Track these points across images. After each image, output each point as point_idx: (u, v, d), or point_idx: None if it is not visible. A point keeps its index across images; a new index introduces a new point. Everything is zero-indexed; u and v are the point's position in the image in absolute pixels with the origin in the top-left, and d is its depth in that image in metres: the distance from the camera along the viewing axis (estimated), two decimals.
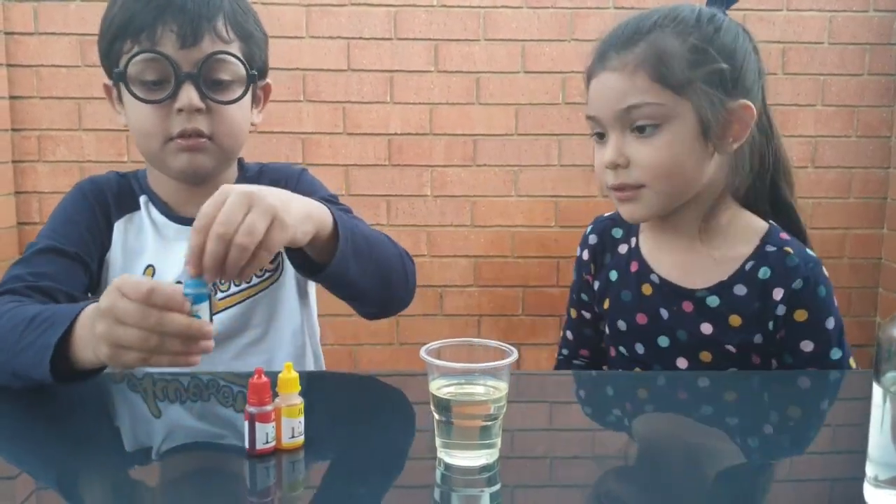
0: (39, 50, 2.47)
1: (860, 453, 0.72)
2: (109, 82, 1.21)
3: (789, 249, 1.14)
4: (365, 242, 1.08)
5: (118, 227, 1.24)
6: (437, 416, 0.78)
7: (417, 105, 2.55)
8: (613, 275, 1.26)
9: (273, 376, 0.80)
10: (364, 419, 0.98)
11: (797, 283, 1.13)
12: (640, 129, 1.10)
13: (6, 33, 2.44)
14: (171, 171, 1.20)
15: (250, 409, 0.78)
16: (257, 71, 1.21)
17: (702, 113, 1.09)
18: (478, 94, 2.56)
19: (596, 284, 1.29)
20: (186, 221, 1.23)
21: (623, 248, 1.27)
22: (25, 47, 2.46)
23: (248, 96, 1.21)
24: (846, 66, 2.59)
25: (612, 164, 1.12)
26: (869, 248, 2.68)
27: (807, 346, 1.14)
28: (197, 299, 0.82)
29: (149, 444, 0.88)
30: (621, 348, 1.25)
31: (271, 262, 1.27)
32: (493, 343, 0.81)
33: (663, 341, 1.19)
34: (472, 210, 2.61)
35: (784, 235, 1.17)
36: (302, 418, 0.81)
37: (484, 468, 0.77)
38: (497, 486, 0.75)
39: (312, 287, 1.37)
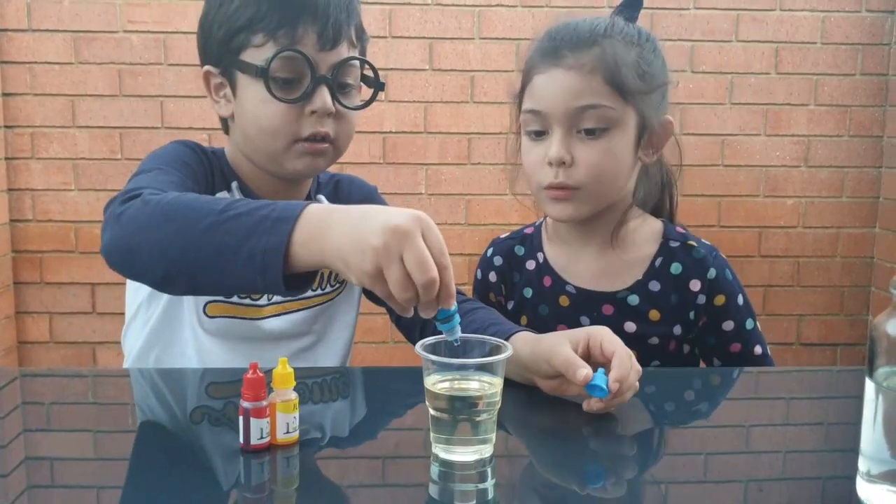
0: (33, 46, 2.45)
1: (852, 451, 0.72)
2: (214, 70, 1.17)
3: (692, 243, 1.23)
4: None
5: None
6: (432, 411, 0.78)
7: (412, 103, 2.55)
8: (528, 292, 1.28)
9: (268, 372, 0.80)
10: (359, 414, 0.98)
11: (711, 273, 1.21)
12: (588, 132, 1.13)
13: None
14: (285, 170, 1.16)
15: (245, 404, 0.78)
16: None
17: (643, 122, 1.15)
18: (472, 92, 2.56)
19: (510, 305, 1.30)
20: None
21: (531, 265, 1.29)
22: (19, 44, 2.45)
23: None
24: (839, 66, 2.60)
25: (559, 160, 1.13)
26: (861, 246, 2.69)
27: (728, 325, 1.23)
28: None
29: (143, 437, 0.88)
30: None
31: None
32: (489, 338, 0.81)
33: None
34: (466, 209, 2.61)
35: (679, 229, 1.26)
36: (297, 414, 0.81)
37: (479, 463, 0.78)
38: (492, 482, 0.76)
39: None
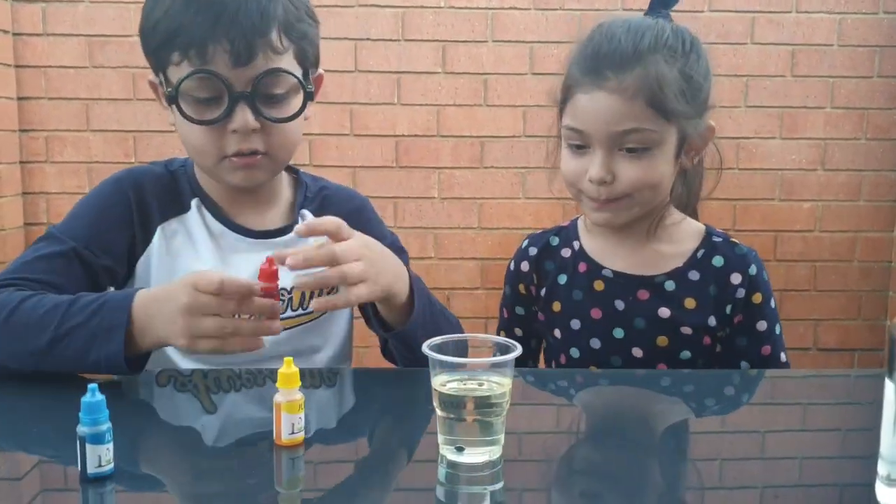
0: (47, 51, 2.47)
1: (871, 458, 0.70)
2: (155, 79, 1.15)
3: (735, 240, 1.26)
4: (433, 320, 1.13)
5: (163, 230, 1.18)
6: (439, 412, 0.77)
7: (425, 106, 2.54)
8: (562, 278, 1.28)
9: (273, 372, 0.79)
10: (366, 416, 0.97)
11: (752, 270, 1.23)
12: (630, 150, 1.14)
13: (14, 34, 2.44)
14: (225, 184, 1.17)
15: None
16: (311, 66, 1.17)
17: (683, 136, 1.17)
18: (485, 95, 2.55)
19: (543, 291, 1.30)
20: (244, 231, 1.21)
21: (566, 253, 1.30)
22: (33, 48, 2.46)
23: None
24: (856, 68, 2.57)
25: (600, 180, 1.15)
26: (879, 251, 2.66)
27: (761, 325, 1.24)
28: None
29: (151, 436, 0.87)
30: (573, 350, 1.26)
31: (329, 292, 1.25)
32: (497, 338, 0.80)
33: (618, 333, 1.23)
34: (479, 212, 2.60)
35: (719, 231, 1.29)
36: (302, 414, 0.80)
37: (488, 465, 0.76)
38: (500, 484, 0.74)
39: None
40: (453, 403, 0.75)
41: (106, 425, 0.71)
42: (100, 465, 0.71)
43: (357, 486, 0.75)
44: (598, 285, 1.25)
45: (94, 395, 0.71)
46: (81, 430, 0.70)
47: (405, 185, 2.58)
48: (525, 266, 1.32)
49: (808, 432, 0.95)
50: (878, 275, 2.67)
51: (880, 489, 0.69)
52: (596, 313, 1.24)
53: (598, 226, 1.25)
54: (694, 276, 1.23)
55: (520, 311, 1.35)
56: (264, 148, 1.12)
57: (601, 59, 1.14)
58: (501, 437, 0.77)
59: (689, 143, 1.19)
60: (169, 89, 1.09)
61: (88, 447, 0.70)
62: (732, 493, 0.76)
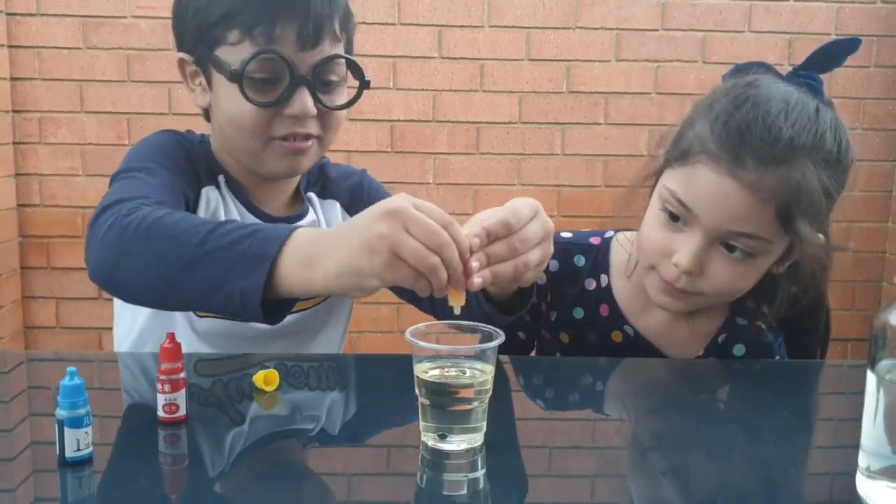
0: (41, 31, 2.45)
1: (853, 447, 0.70)
2: (188, 58, 1.11)
3: (761, 325, 1.15)
4: None
5: (205, 193, 1.14)
6: (422, 400, 0.77)
7: (420, 91, 2.53)
8: (578, 312, 1.19)
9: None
10: (349, 402, 0.97)
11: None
12: (730, 248, 1.02)
13: (8, 14, 2.43)
14: (263, 169, 1.12)
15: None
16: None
17: (790, 249, 1.05)
18: (481, 81, 2.54)
19: (553, 315, 1.21)
20: (262, 215, 1.17)
21: (591, 285, 1.19)
22: (27, 28, 2.44)
23: None
24: (853, 57, 2.50)
25: (686, 272, 1.03)
26: (874, 241, 2.66)
27: None
28: None
29: (128, 421, 0.87)
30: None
31: None
32: (481, 326, 0.80)
33: None
34: (474, 198, 2.60)
35: (749, 303, 1.15)
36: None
37: (469, 452, 0.76)
38: (483, 471, 0.74)
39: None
40: (436, 391, 0.75)
41: (84, 409, 0.71)
42: (78, 449, 0.71)
43: (339, 472, 0.75)
44: (616, 336, 1.17)
45: (72, 379, 0.70)
46: (60, 413, 0.70)
47: (400, 170, 2.57)
48: (542, 280, 1.18)
49: (797, 421, 0.95)
50: (873, 265, 2.67)
51: (861, 481, 0.69)
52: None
53: (662, 308, 1.12)
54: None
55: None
56: (318, 132, 1.10)
57: (747, 142, 0.98)
58: (483, 424, 0.77)
59: (791, 254, 1.06)
60: (234, 68, 1.04)
61: (67, 431, 0.70)
62: (721, 479, 0.76)
